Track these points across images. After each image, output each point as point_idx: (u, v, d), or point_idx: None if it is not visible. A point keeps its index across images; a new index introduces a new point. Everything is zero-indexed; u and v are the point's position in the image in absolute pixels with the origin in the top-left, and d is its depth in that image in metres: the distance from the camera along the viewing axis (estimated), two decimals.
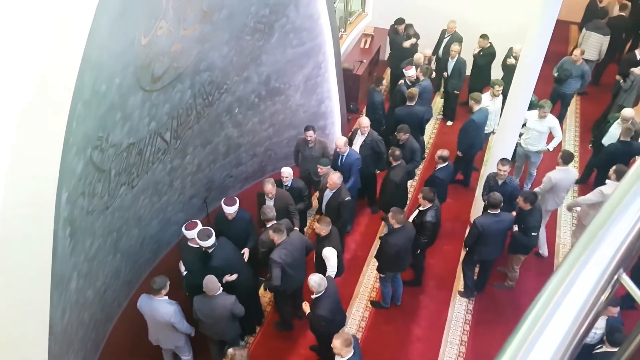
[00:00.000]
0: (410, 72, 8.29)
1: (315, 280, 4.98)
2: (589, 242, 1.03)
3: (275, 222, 5.73)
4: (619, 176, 6.00)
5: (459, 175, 8.26)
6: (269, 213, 5.74)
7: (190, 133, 6.27)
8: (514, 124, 6.73)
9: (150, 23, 4.49)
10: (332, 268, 5.58)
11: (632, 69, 8.52)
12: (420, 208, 6.10)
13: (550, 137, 7.51)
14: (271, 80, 7.18)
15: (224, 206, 5.76)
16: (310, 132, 6.96)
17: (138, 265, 6.33)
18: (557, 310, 0.95)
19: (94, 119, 4.16)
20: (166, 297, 5.07)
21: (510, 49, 8.84)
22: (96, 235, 4.92)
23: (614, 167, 6.17)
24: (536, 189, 6.62)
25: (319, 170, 6.68)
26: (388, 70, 10.68)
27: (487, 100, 7.84)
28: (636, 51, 8.95)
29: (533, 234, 5.93)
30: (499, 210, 5.87)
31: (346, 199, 6.27)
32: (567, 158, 6.43)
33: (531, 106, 7.08)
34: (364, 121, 7.20)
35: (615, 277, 1.03)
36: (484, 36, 9.07)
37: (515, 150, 7.25)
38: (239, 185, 8.05)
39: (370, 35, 10.27)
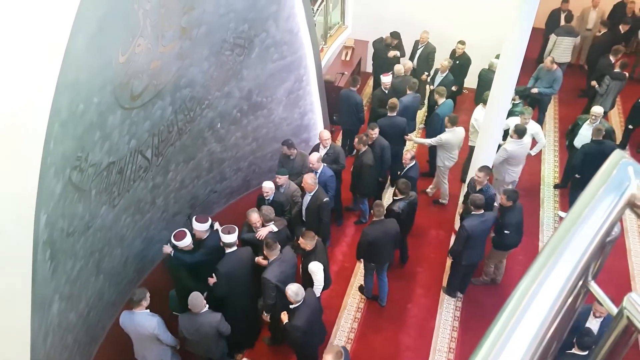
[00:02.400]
0: (387, 79, 8.34)
1: (293, 290, 4.94)
2: (554, 249, 1.04)
3: (273, 221, 5.93)
4: (520, 134, 6.98)
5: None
6: (270, 214, 5.92)
7: (172, 150, 6.23)
8: (494, 131, 6.82)
9: (127, 41, 4.47)
10: (319, 282, 5.56)
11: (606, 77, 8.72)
12: (394, 197, 6.51)
13: (533, 143, 7.61)
14: (253, 95, 7.19)
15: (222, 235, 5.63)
16: (285, 148, 7.00)
17: (122, 285, 6.24)
18: (524, 317, 0.96)
19: (73, 139, 4.12)
20: (147, 310, 5.03)
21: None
22: (78, 257, 4.84)
23: (513, 127, 7.07)
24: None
25: (277, 180, 6.50)
26: (371, 80, 10.79)
27: (481, 114, 7.94)
28: (610, 56, 9.13)
29: (506, 232, 6.09)
30: (482, 210, 6.00)
31: (325, 199, 6.32)
32: (453, 120, 7.41)
33: (510, 113, 7.18)
34: (324, 134, 7.20)
35: (581, 283, 1.05)
36: (462, 42, 9.32)
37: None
38: (223, 201, 8.01)
39: (351, 47, 10.37)
